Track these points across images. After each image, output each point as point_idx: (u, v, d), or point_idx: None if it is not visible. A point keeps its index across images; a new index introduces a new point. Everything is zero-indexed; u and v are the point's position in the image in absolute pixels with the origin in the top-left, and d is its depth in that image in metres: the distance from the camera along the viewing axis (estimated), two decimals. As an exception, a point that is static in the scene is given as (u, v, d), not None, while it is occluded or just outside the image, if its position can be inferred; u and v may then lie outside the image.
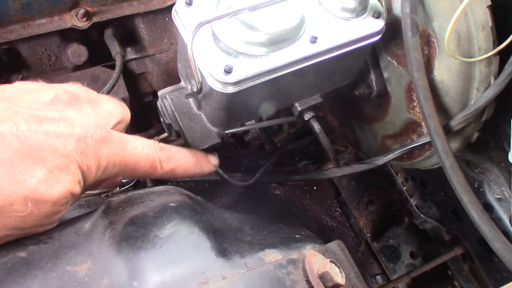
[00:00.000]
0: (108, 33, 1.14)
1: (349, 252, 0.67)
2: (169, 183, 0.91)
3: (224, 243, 0.60)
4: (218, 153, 0.85)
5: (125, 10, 1.11)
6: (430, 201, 1.21)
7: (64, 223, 0.61)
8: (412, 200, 1.24)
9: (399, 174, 1.26)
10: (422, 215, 1.22)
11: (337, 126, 1.20)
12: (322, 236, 1.19)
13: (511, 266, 0.71)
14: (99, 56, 1.16)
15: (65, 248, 0.56)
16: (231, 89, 0.69)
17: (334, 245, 0.66)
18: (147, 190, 0.68)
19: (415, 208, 1.23)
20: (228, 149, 1.37)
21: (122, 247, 0.55)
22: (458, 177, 0.75)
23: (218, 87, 0.69)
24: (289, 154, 1.33)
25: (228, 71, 0.68)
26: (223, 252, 0.58)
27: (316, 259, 0.60)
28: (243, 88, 0.70)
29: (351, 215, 1.30)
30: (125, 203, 0.63)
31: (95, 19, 1.08)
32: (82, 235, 0.59)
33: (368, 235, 1.29)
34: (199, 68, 0.69)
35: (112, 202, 0.64)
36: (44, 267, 0.53)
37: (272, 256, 0.61)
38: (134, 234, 0.57)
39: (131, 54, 1.19)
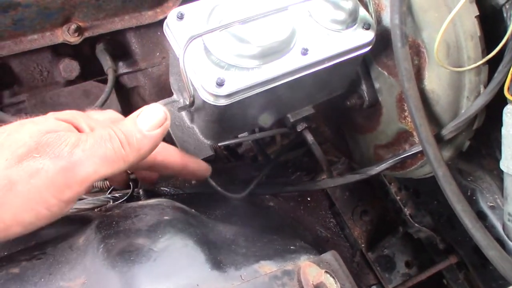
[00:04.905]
0: (100, 47, 1.15)
1: (344, 262, 0.67)
2: (163, 197, 0.90)
3: (219, 255, 0.60)
4: (211, 165, 0.85)
5: (117, 24, 1.11)
6: (423, 210, 1.21)
7: (58, 238, 0.61)
8: (406, 209, 1.24)
9: (392, 184, 1.26)
10: (416, 224, 1.22)
11: (330, 137, 1.21)
12: (317, 247, 1.19)
13: (506, 274, 0.71)
14: (91, 71, 1.16)
15: (59, 264, 0.56)
16: (223, 102, 0.69)
17: (329, 256, 0.66)
18: (140, 203, 0.68)
19: (409, 217, 1.23)
20: (222, 162, 1.37)
21: (116, 261, 0.55)
22: (451, 186, 0.75)
23: (210, 100, 0.69)
24: (282, 165, 1.33)
25: (220, 84, 0.68)
26: (217, 264, 0.58)
27: (311, 270, 0.59)
28: (235, 100, 0.70)
29: (345, 226, 1.30)
30: (118, 217, 0.63)
31: (86, 34, 1.08)
32: (75, 250, 0.58)
33: (362, 245, 1.28)
34: (191, 81, 0.70)
35: (105, 217, 0.64)
36: (38, 283, 0.53)
37: (267, 267, 0.61)
38: (128, 248, 0.56)
39: (123, 68, 1.19)
